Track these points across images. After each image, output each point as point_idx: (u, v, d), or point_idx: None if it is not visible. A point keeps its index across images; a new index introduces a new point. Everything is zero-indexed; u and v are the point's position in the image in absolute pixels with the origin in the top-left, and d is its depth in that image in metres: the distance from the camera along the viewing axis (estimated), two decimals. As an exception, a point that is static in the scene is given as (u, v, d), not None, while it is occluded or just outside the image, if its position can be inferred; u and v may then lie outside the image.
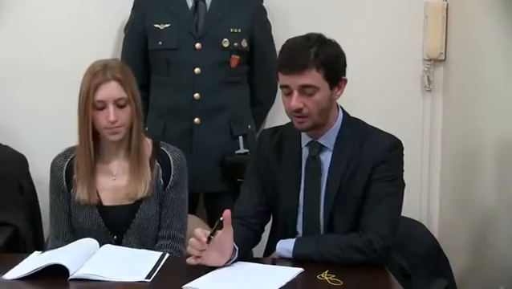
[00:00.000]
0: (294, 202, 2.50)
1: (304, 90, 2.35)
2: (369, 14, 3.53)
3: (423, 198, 3.66)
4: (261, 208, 2.56)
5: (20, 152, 3.27)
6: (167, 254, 2.43)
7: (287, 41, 2.45)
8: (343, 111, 2.54)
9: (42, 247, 2.92)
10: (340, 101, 3.48)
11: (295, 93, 2.36)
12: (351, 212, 2.43)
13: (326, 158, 2.48)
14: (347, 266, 2.30)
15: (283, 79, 2.38)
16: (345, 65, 2.45)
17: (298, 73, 2.33)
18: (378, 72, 3.57)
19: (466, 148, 3.31)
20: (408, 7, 3.57)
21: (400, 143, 2.49)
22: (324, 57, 2.35)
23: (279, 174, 2.52)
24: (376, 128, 2.54)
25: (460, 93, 3.44)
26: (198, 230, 2.26)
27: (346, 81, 2.45)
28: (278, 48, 3.33)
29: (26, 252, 2.80)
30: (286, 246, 2.42)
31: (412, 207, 3.44)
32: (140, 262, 2.35)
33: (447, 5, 3.53)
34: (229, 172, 3.16)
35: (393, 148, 2.46)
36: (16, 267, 2.32)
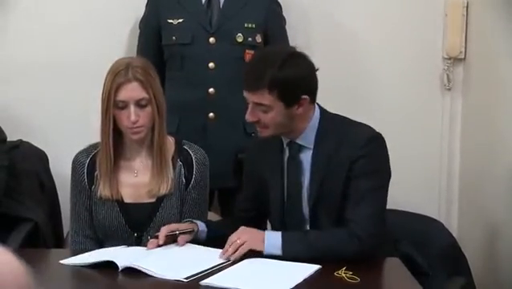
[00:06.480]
0: (280, 201, 2.53)
1: (258, 106, 2.41)
2: (388, 11, 3.52)
3: (442, 197, 3.63)
4: (251, 213, 2.65)
5: (40, 148, 3.29)
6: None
7: (257, 52, 2.57)
8: (321, 108, 2.52)
9: (61, 242, 2.95)
10: (361, 99, 3.48)
11: (250, 106, 2.43)
12: (334, 209, 2.44)
13: (306, 157, 2.49)
14: (364, 263, 2.29)
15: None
16: (311, 84, 2.44)
17: (251, 91, 2.40)
18: (397, 70, 3.56)
19: (486, 146, 3.29)
20: (427, 5, 3.55)
21: (379, 135, 2.47)
22: (280, 80, 2.36)
23: (266, 174, 2.56)
24: (355, 123, 2.52)
25: (480, 91, 3.43)
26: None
27: (307, 100, 2.42)
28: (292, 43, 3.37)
29: (46, 247, 2.82)
30: (273, 242, 2.37)
31: (430, 206, 3.44)
32: (193, 262, 2.31)
33: (467, 3, 3.51)
34: (241, 170, 3.15)
35: (369, 142, 2.44)
36: (72, 258, 2.38)
